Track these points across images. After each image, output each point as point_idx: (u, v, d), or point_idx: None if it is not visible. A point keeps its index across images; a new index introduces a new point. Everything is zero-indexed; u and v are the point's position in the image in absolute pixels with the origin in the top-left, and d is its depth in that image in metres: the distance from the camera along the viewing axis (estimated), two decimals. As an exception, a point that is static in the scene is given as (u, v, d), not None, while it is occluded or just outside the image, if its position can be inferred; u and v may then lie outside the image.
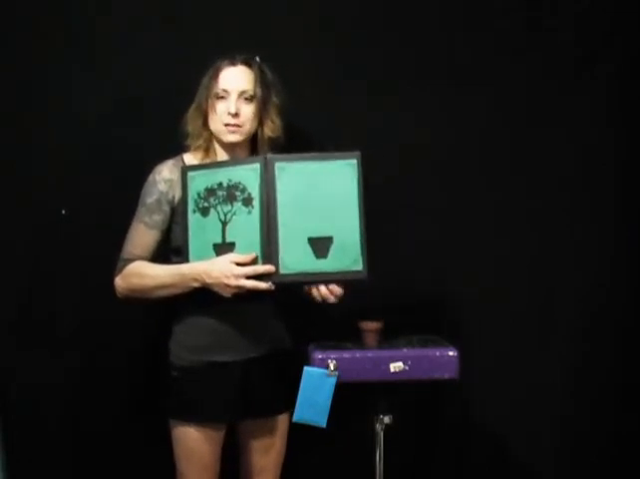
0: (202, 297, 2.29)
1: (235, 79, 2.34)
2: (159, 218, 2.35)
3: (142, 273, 2.31)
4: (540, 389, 2.92)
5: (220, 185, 2.25)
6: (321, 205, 2.24)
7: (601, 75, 2.87)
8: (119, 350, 2.73)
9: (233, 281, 2.19)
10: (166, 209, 2.35)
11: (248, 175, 2.24)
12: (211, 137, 2.39)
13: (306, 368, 2.36)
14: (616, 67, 2.88)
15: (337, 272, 2.24)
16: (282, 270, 2.21)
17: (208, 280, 2.23)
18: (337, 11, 2.78)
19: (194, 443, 2.36)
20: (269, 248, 2.21)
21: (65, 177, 2.69)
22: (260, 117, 2.37)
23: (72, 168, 2.69)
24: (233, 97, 2.33)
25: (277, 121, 2.40)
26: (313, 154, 2.28)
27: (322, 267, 2.23)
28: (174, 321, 2.41)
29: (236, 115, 2.32)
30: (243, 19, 2.72)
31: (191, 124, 2.38)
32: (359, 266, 2.24)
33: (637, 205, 2.92)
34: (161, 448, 2.47)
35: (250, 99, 2.35)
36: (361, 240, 2.24)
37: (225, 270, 2.20)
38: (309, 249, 2.23)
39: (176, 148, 2.42)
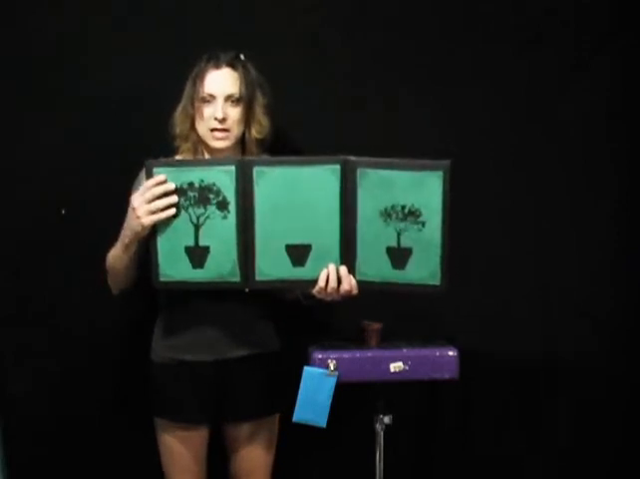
0: (182, 297, 2.28)
1: (221, 83, 2.29)
2: None
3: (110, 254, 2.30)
4: (540, 389, 2.92)
5: (191, 185, 2.15)
6: (301, 211, 2.14)
7: (601, 75, 2.87)
8: (119, 349, 2.74)
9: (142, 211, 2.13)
10: None
11: (222, 177, 2.14)
12: (199, 139, 2.34)
13: (306, 368, 2.36)
14: (616, 67, 2.88)
15: (315, 280, 2.16)
16: (258, 277, 2.16)
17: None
18: (336, 11, 2.77)
19: (173, 442, 2.37)
20: (245, 255, 2.15)
21: (65, 177, 2.69)
22: (247, 118, 2.32)
23: (72, 168, 2.69)
24: (220, 101, 2.28)
25: (264, 121, 2.35)
26: (294, 157, 2.21)
27: (300, 275, 2.17)
28: (157, 320, 2.41)
29: (223, 120, 2.28)
30: (243, 19, 2.72)
31: (179, 126, 2.34)
32: None
33: (637, 205, 2.92)
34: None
35: (237, 102, 2.29)
36: (341, 249, 2.15)
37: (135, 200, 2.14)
38: (286, 257, 2.17)
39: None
